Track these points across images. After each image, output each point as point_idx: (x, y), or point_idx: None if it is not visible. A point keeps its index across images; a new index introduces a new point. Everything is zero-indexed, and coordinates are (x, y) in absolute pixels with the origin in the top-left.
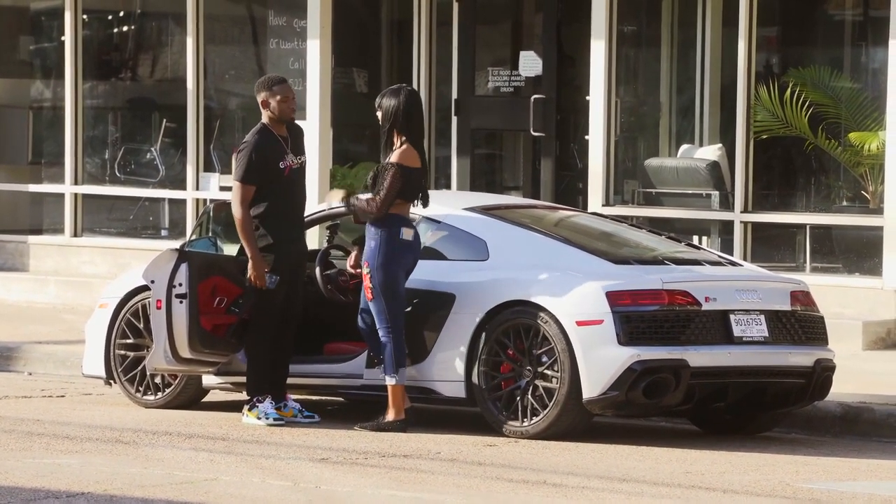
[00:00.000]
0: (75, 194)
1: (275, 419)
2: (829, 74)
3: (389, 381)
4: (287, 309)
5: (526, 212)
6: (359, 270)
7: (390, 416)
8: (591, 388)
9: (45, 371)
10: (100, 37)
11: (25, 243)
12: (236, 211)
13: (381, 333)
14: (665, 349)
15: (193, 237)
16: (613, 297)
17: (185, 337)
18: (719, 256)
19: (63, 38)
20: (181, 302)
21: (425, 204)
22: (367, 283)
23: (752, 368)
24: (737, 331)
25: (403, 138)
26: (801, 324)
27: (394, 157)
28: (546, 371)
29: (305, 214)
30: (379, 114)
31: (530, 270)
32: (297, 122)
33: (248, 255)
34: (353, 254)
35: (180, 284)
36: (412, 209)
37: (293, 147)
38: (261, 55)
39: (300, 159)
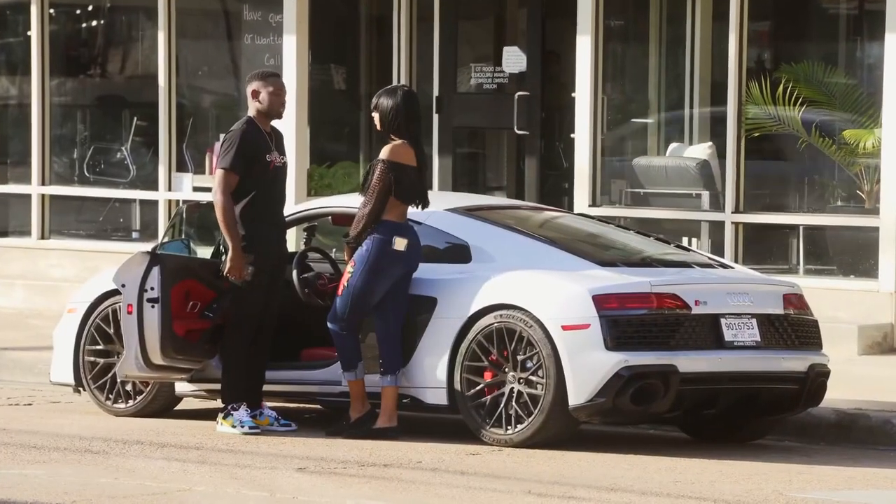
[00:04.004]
0: (42, 195)
1: (250, 427)
2: (823, 70)
3: (348, 378)
4: (263, 313)
5: (510, 212)
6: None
7: (353, 413)
8: (578, 394)
9: (11, 378)
10: (67, 31)
11: None
12: (218, 198)
13: (332, 327)
14: (654, 354)
15: (166, 239)
16: (600, 301)
17: (157, 343)
18: (709, 258)
19: (29, 33)
20: (153, 306)
21: (424, 205)
22: (344, 279)
23: (743, 374)
24: (728, 335)
25: (399, 139)
26: (794, 328)
27: (382, 154)
28: (530, 377)
29: (284, 216)
30: (375, 115)
31: (514, 273)
32: (273, 122)
33: (229, 245)
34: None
35: (152, 288)
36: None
37: (277, 146)
38: (235, 51)
39: (283, 159)
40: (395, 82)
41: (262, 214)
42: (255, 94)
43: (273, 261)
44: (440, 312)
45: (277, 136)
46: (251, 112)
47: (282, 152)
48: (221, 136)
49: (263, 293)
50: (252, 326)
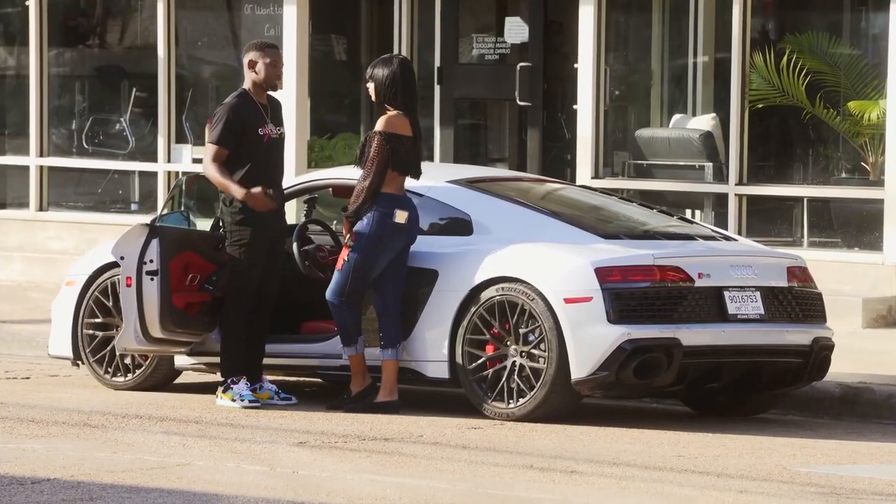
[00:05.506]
0: (41, 167)
1: (250, 401)
2: (828, 41)
3: (348, 353)
4: (263, 286)
5: (512, 184)
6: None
7: (354, 387)
8: (580, 368)
9: (9, 352)
10: (66, 1)
11: None
12: (207, 170)
13: (332, 302)
14: (657, 327)
15: (165, 211)
16: (603, 274)
17: (156, 316)
18: (713, 231)
19: (27, 3)
20: (152, 279)
21: (416, 176)
22: (344, 254)
23: (747, 347)
24: (731, 308)
25: (395, 109)
26: (798, 301)
27: (378, 125)
28: (533, 350)
29: (283, 187)
30: (370, 85)
31: (516, 246)
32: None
33: (236, 195)
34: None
35: (151, 261)
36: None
37: (273, 117)
38: (235, 21)
39: (280, 130)
40: (395, 52)
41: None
42: (252, 64)
43: (272, 233)
44: (441, 285)
45: (274, 107)
46: (246, 83)
47: (278, 123)
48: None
49: (262, 265)
50: (251, 299)
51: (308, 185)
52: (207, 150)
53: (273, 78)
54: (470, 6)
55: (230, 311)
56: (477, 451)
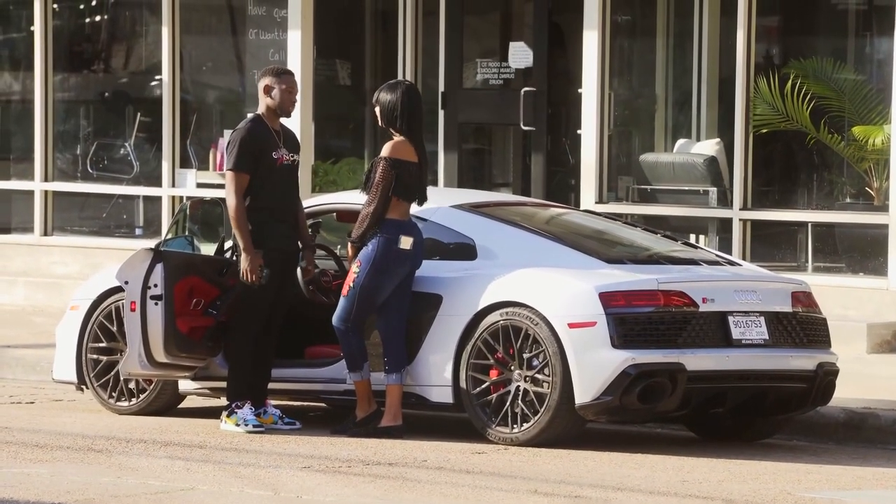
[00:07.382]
0: (45, 191)
1: (254, 426)
2: (832, 66)
3: (354, 378)
4: (272, 309)
5: (516, 209)
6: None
7: (360, 412)
8: (584, 392)
9: (13, 376)
10: (71, 27)
11: None
12: (230, 200)
13: (338, 327)
14: (661, 352)
15: (169, 236)
16: (607, 298)
17: (160, 340)
18: (717, 256)
19: (32, 28)
20: (156, 303)
21: (421, 203)
22: (349, 279)
23: (751, 372)
24: (735, 333)
25: (400, 135)
26: (802, 326)
27: (384, 151)
28: (537, 375)
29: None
30: (377, 110)
31: (520, 270)
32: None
33: (242, 247)
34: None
35: (155, 285)
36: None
37: (285, 143)
38: (239, 46)
39: (293, 157)
40: (400, 78)
41: (270, 211)
42: (268, 89)
43: (282, 258)
44: (445, 310)
45: (287, 135)
46: (260, 108)
47: (291, 150)
48: (226, 133)
49: (272, 291)
50: (259, 323)
51: (312, 209)
52: (228, 179)
53: (288, 104)
54: (474, 31)
55: (238, 333)
56: (481, 475)
